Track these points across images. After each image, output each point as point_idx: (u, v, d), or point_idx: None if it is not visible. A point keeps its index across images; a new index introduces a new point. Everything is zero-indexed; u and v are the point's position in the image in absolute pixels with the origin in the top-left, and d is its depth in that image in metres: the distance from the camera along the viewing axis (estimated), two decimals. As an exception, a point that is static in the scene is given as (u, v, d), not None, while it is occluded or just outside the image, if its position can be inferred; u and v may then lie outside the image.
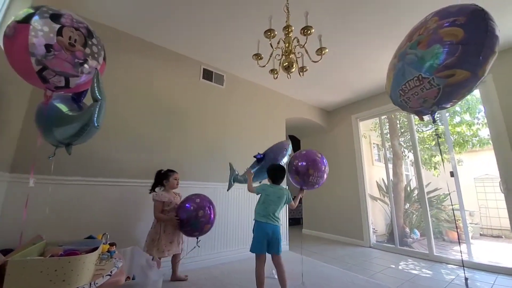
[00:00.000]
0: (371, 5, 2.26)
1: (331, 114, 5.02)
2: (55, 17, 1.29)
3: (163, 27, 2.59)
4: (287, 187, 2.62)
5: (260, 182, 2.32)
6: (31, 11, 1.25)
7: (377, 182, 5.29)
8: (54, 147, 1.59)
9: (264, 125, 3.79)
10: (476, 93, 3.68)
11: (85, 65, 1.38)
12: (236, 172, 2.51)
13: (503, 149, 2.70)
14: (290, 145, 2.45)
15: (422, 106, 1.42)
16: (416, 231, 4.68)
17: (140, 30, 2.65)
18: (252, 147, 3.52)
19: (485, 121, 4.97)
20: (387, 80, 1.64)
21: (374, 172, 5.35)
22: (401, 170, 5.06)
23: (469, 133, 5.53)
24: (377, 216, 4.97)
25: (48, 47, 1.23)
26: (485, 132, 5.44)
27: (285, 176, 2.16)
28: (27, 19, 1.21)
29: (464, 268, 2.76)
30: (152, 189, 2.23)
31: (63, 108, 1.49)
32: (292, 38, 1.84)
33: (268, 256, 1.97)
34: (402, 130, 5.56)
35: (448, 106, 1.42)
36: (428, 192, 4.19)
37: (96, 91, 1.40)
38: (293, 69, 1.80)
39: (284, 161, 2.34)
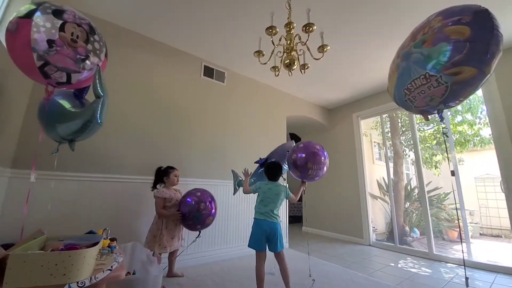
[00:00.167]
0: (371, 5, 2.26)
1: (332, 112, 5.01)
2: (57, 13, 1.29)
3: (164, 23, 2.58)
4: (286, 182, 2.61)
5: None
6: (33, 7, 1.25)
7: (377, 181, 5.29)
8: (56, 143, 1.60)
9: (265, 123, 3.79)
10: (479, 92, 3.66)
11: (87, 61, 1.38)
12: (240, 178, 2.56)
13: (505, 148, 2.69)
14: (293, 143, 2.45)
15: (428, 105, 1.42)
16: (416, 230, 4.68)
17: (140, 25, 2.64)
18: (253, 144, 3.53)
19: (487, 120, 4.96)
20: (389, 80, 1.64)
21: (375, 171, 5.35)
22: (402, 169, 5.06)
23: (471, 132, 5.51)
24: (377, 215, 4.98)
25: (50, 42, 1.23)
26: (486, 132, 5.43)
27: (281, 172, 2.15)
28: (29, 15, 1.21)
29: (465, 267, 2.76)
30: (154, 186, 2.25)
31: (66, 104, 1.49)
32: (294, 35, 1.83)
33: (269, 253, 1.98)
34: (404, 129, 5.55)
35: (454, 104, 1.44)
36: (429, 191, 4.19)
37: (98, 88, 1.40)
38: (295, 67, 1.79)
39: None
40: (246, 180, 2.24)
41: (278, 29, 1.78)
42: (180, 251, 2.34)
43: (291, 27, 1.80)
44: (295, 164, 2.15)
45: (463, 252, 1.60)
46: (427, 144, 5.75)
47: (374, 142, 5.83)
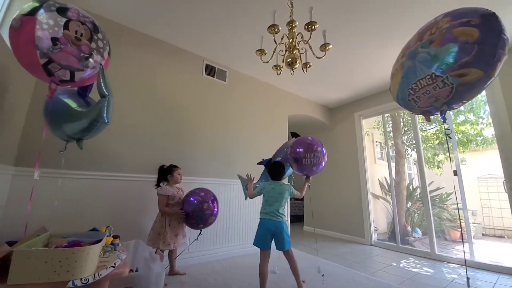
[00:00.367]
0: (372, 5, 2.25)
1: (334, 112, 5.00)
2: (61, 10, 1.29)
3: (165, 21, 2.57)
4: (293, 182, 2.63)
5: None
6: (37, 4, 1.25)
7: (379, 181, 5.28)
8: (63, 141, 1.61)
9: (266, 122, 3.78)
10: (482, 92, 3.64)
11: (90, 59, 1.39)
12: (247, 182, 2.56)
13: (508, 148, 2.68)
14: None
15: (432, 105, 1.42)
16: (418, 230, 4.67)
17: (141, 24, 2.64)
18: (254, 143, 3.53)
19: (489, 120, 4.94)
20: (393, 79, 1.63)
21: (377, 171, 5.34)
22: (404, 169, 5.04)
23: (473, 132, 5.49)
24: (378, 215, 4.97)
25: (54, 40, 1.23)
26: (489, 132, 5.40)
27: (284, 171, 2.18)
28: (33, 12, 1.21)
29: (467, 267, 2.75)
30: (157, 184, 2.27)
31: (72, 104, 1.51)
32: (296, 34, 1.82)
33: (273, 252, 2.00)
34: (406, 129, 5.53)
35: (457, 106, 1.44)
36: (431, 191, 4.18)
37: (103, 87, 1.41)
38: (297, 65, 1.79)
39: None
40: (250, 185, 2.28)
41: (280, 28, 1.78)
42: (182, 249, 2.35)
43: (293, 25, 1.80)
44: (293, 158, 2.19)
45: (464, 252, 1.59)
46: (429, 144, 5.73)
47: (376, 141, 5.81)
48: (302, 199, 5.38)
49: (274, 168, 2.15)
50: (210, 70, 3.26)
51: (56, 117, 1.48)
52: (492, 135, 5.21)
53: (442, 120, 1.45)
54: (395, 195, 4.19)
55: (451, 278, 2.51)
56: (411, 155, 5.82)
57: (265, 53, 1.92)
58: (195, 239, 2.35)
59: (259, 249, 2.02)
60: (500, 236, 5.10)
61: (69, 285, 0.97)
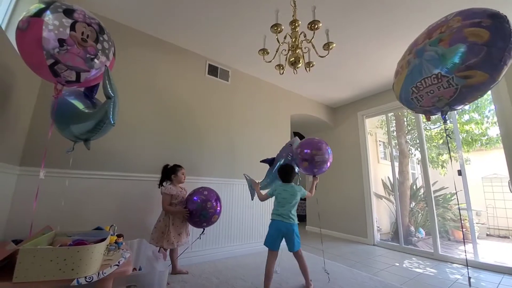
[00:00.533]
0: (376, 5, 2.24)
1: (337, 111, 4.98)
2: (68, 12, 1.30)
3: (168, 21, 2.58)
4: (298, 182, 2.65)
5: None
6: (43, 5, 1.26)
7: (382, 180, 5.25)
8: (64, 141, 1.63)
9: (269, 122, 3.78)
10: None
11: (96, 60, 1.40)
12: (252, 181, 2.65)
13: (513, 148, 2.64)
14: (297, 139, 2.46)
15: (434, 105, 1.40)
16: (421, 230, 4.63)
17: (144, 24, 2.64)
18: (257, 143, 3.53)
19: (494, 120, 4.88)
20: (397, 76, 1.61)
21: (380, 170, 5.30)
22: (407, 169, 5.00)
23: (478, 131, 5.43)
24: (381, 215, 4.94)
25: (61, 41, 1.24)
26: (493, 131, 5.34)
27: (295, 173, 2.22)
28: (40, 14, 1.22)
29: (468, 267, 2.73)
30: (161, 184, 2.30)
31: (79, 105, 1.53)
32: (299, 33, 1.82)
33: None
34: (409, 128, 5.49)
35: (459, 108, 1.43)
36: (435, 191, 4.14)
37: (109, 88, 1.42)
38: (300, 65, 1.79)
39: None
40: (257, 190, 2.33)
41: (283, 27, 1.78)
42: (185, 248, 2.37)
43: (296, 24, 1.80)
44: (301, 159, 2.26)
45: (465, 252, 1.59)
46: (433, 143, 5.68)
47: (379, 141, 5.77)
48: (304, 199, 5.37)
49: (284, 171, 2.18)
50: (213, 70, 3.26)
51: (63, 118, 1.50)
52: (497, 134, 5.16)
53: (443, 120, 1.44)
54: (399, 195, 4.16)
55: (455, 278, 2.49)
56: (414, 155, 5.78)
57: (268, 53, 1.92)
58: (198, 238, 2.37)
59: (262, 248, 2.05)
60: (505, 237, 5.04)
61: (74, 283, 0.99)
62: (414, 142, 5.56)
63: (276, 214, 2.08)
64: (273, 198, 2.18)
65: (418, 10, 2.28)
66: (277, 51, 1.92)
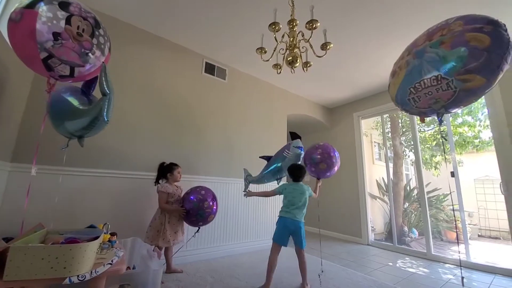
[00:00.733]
0: (374, 5, 2.25)
1: (333, 112, 5.00)
2: (63, 5, 1.27)
3: (166, 18, 2.55)
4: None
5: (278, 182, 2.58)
6: None
7: (377, 181, 5.30)
8: (57, 137, 1.61)
9: (265, 121, 3.78)
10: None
11: (91, 55, 1.37)
12: (248, 173, 2.79)
13: (505, 151, 2.69)
14: (298, 141, 2.48)
15: (430, 107, 1.42)
16: (415, 230, 4.69)
17: (141, 21, 2.61)
18: (254, 142, 3.53)
19: (487, 123, 4.96)
20: (393, 77, 1.62)
21: (375, 171, 5.35)
22: (401, 170, 5.06)
23: (471, 134, 5.52)
24: (376, 215, 4.99)
25: (56, 35, 1.21)
26: (486, 134, 5.44)
27: (305, 173, 2.27)
28: (33, 5, 1.19)
29: (461, 267, 2.77)
30: (157, 181, 2.28)
31: (74, 101, 1.50)
32: (297, 32, 1.82)
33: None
34: (404, 130, 5.55)
35: (453, 111, 1.46)
36: (428, 192, 4.20)
37: (105, 85, 1.40)
38: (297, 64, 1.78)
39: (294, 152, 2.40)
40: (256, 193, 2.40)
41: (281, 26, 1.77)
42: (179, 246, 2.36)
43: (294, 24, 1.80)
44: (312, 161, 2.48)
45: (459, 252, 1.61)
46: (427, 145, 5.76)
47: (374, 142, 5.83)
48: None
49: (296, 170, 2.22)
50: (210, 68, 3.24)
51: (58, 114, 1.48)
52: (489, 137, 5.25)
53: (438, 122, 1.46)
54: (393, 196, 4.20)
55: (447, 278, 2.53)
56: (408, 156, 5.85)
57: (265, 52, 1.91)
58: (193, 236, 2.37)
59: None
60: (496, 238, 5.14)
61: (66, 282, 0.97)
62: (409, 143, 5.63)
63: (286, 211, 2.12)
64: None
65: (417, 11, 2.29)
66: (274, 50, 1.92)
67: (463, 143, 5.57)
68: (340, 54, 3.03)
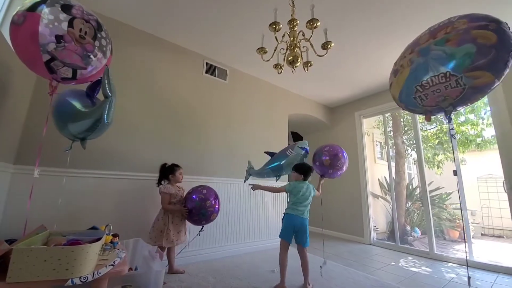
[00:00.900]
0: (375, 5, 2.24)
1: (334, 111, 4.99)
2: (66, 7, 1.27)
3: (166, 19, 2.55)
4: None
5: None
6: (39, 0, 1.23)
7: (379, 180, 5.28)
8: (60, 140, 1.62)
9: (267, 121, 3.78)
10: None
11: (93, 58, 1.38)
12: (251, 166, 2.89)
13: (508, 149, 2.67)
14: (305, 143, 2.50)
15: (437, 105, 1.41)
16: (417, 229, 4.67)
17: (142, 22, 2.62)
18: (255, 142, 3.52)
19: (490, 121, 4.92)
20: (397, 75, 1.58)
21: (377, 170, 5.33)
22: (404, 169, 5.04)
23: (474, 132, 5.48)
24: (378, 214, 4.97)
25: (58, 38, 1.22)
26: (488, 133, 5.40)
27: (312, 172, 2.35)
28: (36, 8, 1.19)
29: (468, 267, 2.75)
30: (159, 183, 2.29)
31: (77, 104, 1.52)
32: (297, 32, 1.81)
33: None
34: (406, 128, 5.52)
35: (460, 108, 1.46)
36: (430, 191, 4.18)
37: (107, 88, 1.41)
38: (298, 64, 1.78)
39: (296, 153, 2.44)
40: (264, 188, 2.37)
41: (281, 25, 1.77)
42: (182, 247, 2.36)
43: (295, 23, 1.79)
44: (321, 161, 2.53)
45: (466, 252, 1.60)
46: (429, 144, 5.73)
47: (376, 141, 5.80)
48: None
49: (308, 170, 2.28)
50: (210, 69, 3.24)
51: (61, 116, 1.49)
52: (492, 136, 5.22)
53: (447, 120, 1.45)
54: (395, 195, 4.19)
55: (450, 277, 2.51)
56: (411, 155, 5.82)
57: (266, 52, 1.91)
58: (197, 235, 2.37)
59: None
60: (499, 236, 5.10)
61: (68, 283, 0.97)
62: (411, 142, 5.60)
63: (292, 209, 2.16)
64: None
65: (417, 10, 2.28)
66: (275, 50, 1.91)
67: (466, 141, 5.54)
68: (341, 53, 3.02)
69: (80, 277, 1.00)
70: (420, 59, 1.39)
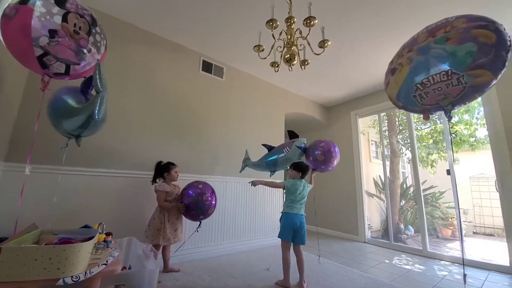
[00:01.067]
0: (373, 5, 2.25)
1: (331, 110, 5.00)
2: (59, 1, 1.24)
3: (162, 16, 2.52)
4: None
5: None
6: None
7: (374, 179, 5.32)
8: (53, 137, 1.59)
9: (263, 120, 3.77)
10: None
11: (87, 53, 1.35)
12: (247, 157, 3.00)
13: (501, 148, 2.72)
14: (303, 141, 2.53)
15: (437, 103, 1.41)
16: (411, 227, 4.73)
17: (138, 19, 2.58)
18: (251, 141, 3.51)
19: (483, 121, 5.00)
20: (394, 74, 1.57)
21: (372, 169, 5.37)
22: (398, 168, 5.09)
23: (467, 132, 5.55)
24: (372, 212, 5.01)
25: (52, 32, 1.18)
26: (481, 133, 5.48)
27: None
28: (27, 0, 1.15)
29: (459, 264, 2.80)
30: (154, 181, 2.27)
31: (70, 100, 1.49)
32: (295, 30, 1.81)
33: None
34: (401, 128, 5.57)
35: (459, 107, 1.46)
36: (424, 190, 4.23)
37: (98, 83, 1.38)
38: (295, 62, 1.77)
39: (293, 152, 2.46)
40: (265, 182, 2.35)
41: (278, 23, 1.76)
42: (179, 245, 2.35)
43: (292, 21, 1.78)
44: (315, 156, 2.45)
45: (462, 251, 1.62)
46: (423, 143, 5.79)
47: (372, 140, 5.84)
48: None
49: (303, 167, 2.30)
50: (207, 67, 3.22)
51: (55, 113, 1.45)
52: (485, 135, 5.29)
53: (447, 119, 1.46)
54: (389, 193, 4.23)
55: (443, 275, 2.55)
56: (405, 154, 5.88)
57: (263, 49, 1.90)
58: (195, 231, 2.35)
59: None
60: (490, 235, 5.19)
61: (60, 283, 0.95)
62: (405, 141, 5.65)
63: (291, 207, 2.18)
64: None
65: (416, 10, 2.29)
66: (272, 48, 1.90)
67: (459, 141, 5.61)
68: (337, 53, 3.03)
69: (72, 277, 0.98)
70: (420, 57, 1.39)
